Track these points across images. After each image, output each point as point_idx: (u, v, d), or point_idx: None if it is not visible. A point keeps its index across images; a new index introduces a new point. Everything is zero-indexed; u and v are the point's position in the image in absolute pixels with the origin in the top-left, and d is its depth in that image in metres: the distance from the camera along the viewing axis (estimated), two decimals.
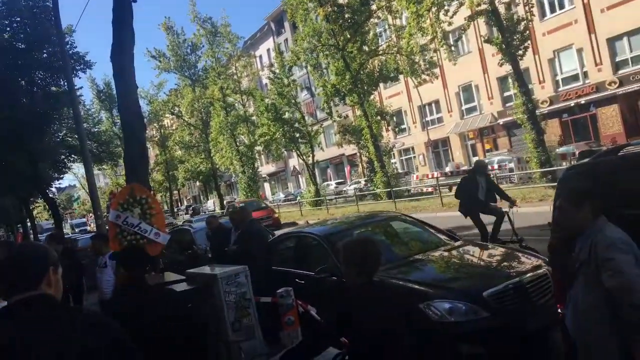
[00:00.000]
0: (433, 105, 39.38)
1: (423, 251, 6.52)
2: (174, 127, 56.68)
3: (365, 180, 34.64)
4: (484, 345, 4.91)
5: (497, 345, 4.91)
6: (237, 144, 42.59)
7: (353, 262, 2.97)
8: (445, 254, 6.37)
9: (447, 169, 31.71)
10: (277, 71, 36.19)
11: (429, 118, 39.95)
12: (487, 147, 35.58)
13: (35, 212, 46.29)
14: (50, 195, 28.41)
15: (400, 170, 38.42)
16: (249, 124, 42.05)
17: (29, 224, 36.60)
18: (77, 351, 1.70)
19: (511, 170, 25.27)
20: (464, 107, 37.30)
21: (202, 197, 66.31)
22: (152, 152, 64.56)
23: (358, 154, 38.34)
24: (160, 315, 3.40)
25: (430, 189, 26.78)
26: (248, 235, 7.74)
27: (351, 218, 8.32)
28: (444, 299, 5.06)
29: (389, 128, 31.91)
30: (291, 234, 8.13)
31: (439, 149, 40.07)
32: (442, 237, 7.12)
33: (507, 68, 21.09)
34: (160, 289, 4.44)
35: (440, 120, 39.26)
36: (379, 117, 30.01)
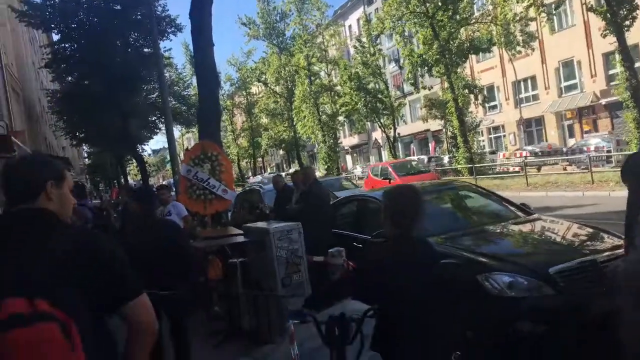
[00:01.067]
0: (529, 81, 37.18)
1: (490, 223, 6.20)
2: (260, 95, 57.83)
3: (449, 157, 33.55)
4: (545, 324, 4.51)
5: (560, 326, 4.49)
6: (320, 113, 42.72)
7: (391, 211, 2.79)
8: (514, 227, 5.94)
9: (536, 149, 29.92)
10: (364, 39, 35.62)
11: (522, 95, 37.83)
12: (586, 128, 33.18)
13: (129, 170, 49.53)
14: (140, 153, 29.96)
15: (487, 149, 36.85)
16: (332, 94, 41.97)
17: (122, 180, 39.13)
18: (49, 256, 1.66)
19: (609, 151, 23.40)
20: (562, 85, 34.88)
21: (284, 165, 67.51)
22: (239, 118, 66.39)
23: (444, 130, 37.19)
24: (157, 242, 4.34)
25: (517, 168, 25.46)
26: (309, 195, 7.66)
27: (419, 184, 8.00)
28: (505, 272, 4.70)
29: (478, 103, 30.51)
30: (353, 197, 7.96)
31: (531, 128, 37.92)
32: (515, 210, 6.66)
33: (614, 44, 19.34)
34: (166, 222, 5.33)
35: (535, 97, 37.03)
36: (466, 91, 28.74)
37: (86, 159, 62.59)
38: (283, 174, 35.25)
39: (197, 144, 10.44)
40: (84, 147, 43.61)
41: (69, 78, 23.93)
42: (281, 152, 65.14)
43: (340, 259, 5.40)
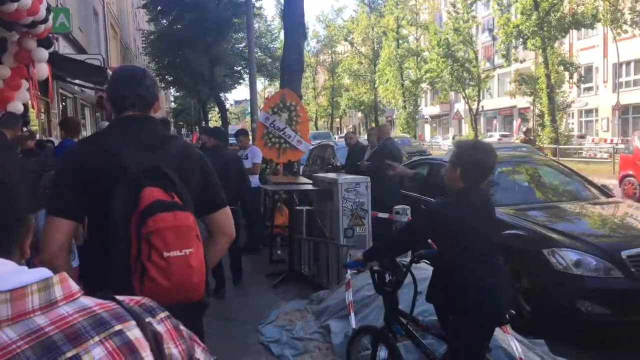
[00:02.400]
0: (632, 65, 34.47)
1: (566, 200, 6.01)
2: (345, 55, 57.36)
3: (533, 137, 32.06)
4: (610, 308, 4.37)
5: (626, 311, 4.33)
6: (403, 78, 41.90)
7: (462, 163, 2.74)
8: (590, 207, 5.70)
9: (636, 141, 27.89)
10: (459, 5, 34.22)
11: (623, 79, 35.20)
12: None
13: (210, 116, 51.11)
14: (223, 100, 30.81)
15: (576, 132, 34.88)
16: (418, 59, 40.91)
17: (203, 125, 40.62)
18: (170, 155, 1.95)
19: None
20: None
21: (361, 128, 67.21)
22: (321, 77, 66.33)
23: (531, 108, 35.48)
24: (224, 167, 5.40)
25: (606, 155, 24.01)
26: (381, 152, 7.66)
27: (499, 154, 7.80)
28: (574, 249, 4.56)
29: (572, 82, 28.73)
30: (425, 160, 7.87)
31: (628, 115, 35.38)
32: (595, 191, 6.36)
33: None
34: (232, 154, 6.74)
35: (636, 83, 34.36)
36: (561, 68, 27.11)
37: (172, 103, 65.37)
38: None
39: (278, 92, 10.59)
40: (171, 90, 45.39)
41: (164, 21, 24.77)
42: (359, 114, 64.61)
43: (405, 216, 5.41)
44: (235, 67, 29.42)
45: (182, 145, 2.03)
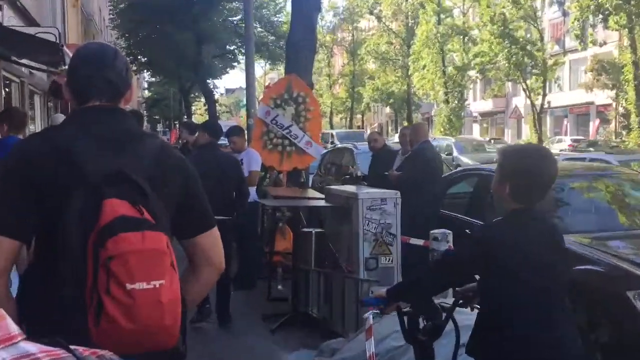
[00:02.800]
0: None
1: None
2: (370, 32, 57.40)
3: (616, 144, 31.89)
4: None
5: None
6: (445, 63, 41.83)
7: (510, 176, 2.70)
8: None
9: None
10: None
11: None
12: None
13: (194, 109, 51.12)
14: (211, 88, 30.78)
15: None
16: (465, 39, 40.86)
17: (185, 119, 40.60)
18: (141, 160, 1.98)
19: None
20: None
21: (389, 127, 67.02)
22: (339, 60, 66.37)
23: (614, 105, 35.31)
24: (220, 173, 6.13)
25: None
26: (418, 159, 7.60)
27: (570, 165, 7.78)
28: None
29: None
30: (472, 171, 7.83)
31: None
32: None
33: None
34: (229, 156, 7.13)
35: None
36: None
37: (145, 90, 65.49)
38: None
39: (283, 78, 10.60)
40: (145, 74, 45.56)
41: None
42: (387, 109, 64.40)
43: (445, 244, 5.38)
44: (227, 46, 29.54)
45: (158, 145, 2.03)
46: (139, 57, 28.95)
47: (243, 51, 27.83)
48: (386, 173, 7.89)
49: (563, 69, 42.95)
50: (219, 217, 2.48)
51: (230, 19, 28.62)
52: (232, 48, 29.97)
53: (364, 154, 10.35)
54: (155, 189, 1.85)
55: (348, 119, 63.32)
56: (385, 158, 8.65)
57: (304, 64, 10.53)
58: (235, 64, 33.37)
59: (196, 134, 8.10)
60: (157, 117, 63.62)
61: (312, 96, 9.96)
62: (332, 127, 54.01)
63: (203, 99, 38.86)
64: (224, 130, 8.04)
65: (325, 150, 12.23)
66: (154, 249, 1.73)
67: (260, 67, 61.31)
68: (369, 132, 64.32)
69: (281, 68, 49.13)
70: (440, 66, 41.71)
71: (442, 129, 42.19)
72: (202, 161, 5.62)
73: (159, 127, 64.49)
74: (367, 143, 9.86)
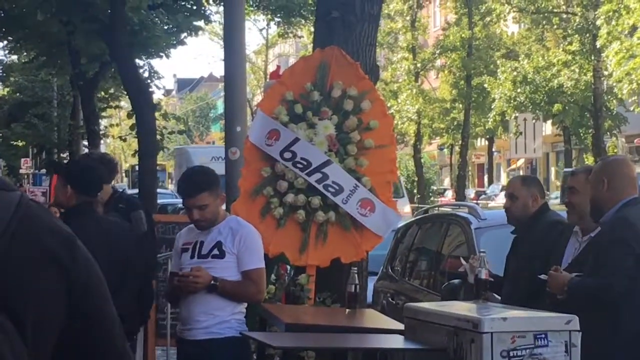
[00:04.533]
0: None
1: None
2: None
3: None
4: None
5: None
6: None
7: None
8: None
9: None
10: None
11: None
12: None
13: (105, 125, 29.34)
14: (145, 76, 17.47)
15: None
16: None
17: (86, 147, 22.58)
18: None
19: None
20: None
21: (550, 163, 41.83)
22: (436, 14, 43.69)
23: None
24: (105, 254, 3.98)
25: None
26: (617, 243, 4.41)
27: None
28: None
29: None
30: None
31: None
32: None
33: None
34: (119, 223, 4.89)
35: None
36: None
37: None
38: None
39: (309, 56, 6.80)
40: None
41: None
42: (548, 126, 34.67)
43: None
44: None
45: (11, 205, 1.28)
46: None
47: None
48: (542, 276, 4.55)
49: None
50: None
51: None
52: None
53: (494, 229, 6.01)
54: (7, 307, 1.20)
55: (452, 144, 38.99)
56: (540, 238, 5.07)
57: (358, 31, 6.07)
58: (200, 22, 18.14)
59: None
60: (19, 141, 34.65)
61: (377, 96, 5.80)
62: (420, 167, 35.87)
63: (126, 102, 22.11)
64: (180, 179, 5.04)
65: (404, 221, 7.61)
66: None
67: (257, 29, 38.74)
68: (505, 176, 43.04)
69: (305, 34, 28.59)
70: None
71: None
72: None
73: (25, 165, 36.46)
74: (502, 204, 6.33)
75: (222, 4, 11.57)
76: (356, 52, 5.87)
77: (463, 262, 5.27)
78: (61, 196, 4.61)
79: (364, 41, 6.10)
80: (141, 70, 17.19)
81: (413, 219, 8.93)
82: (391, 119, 6.04)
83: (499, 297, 4.82)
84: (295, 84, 5.56)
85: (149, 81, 18.33)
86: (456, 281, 5.16)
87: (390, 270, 7.74)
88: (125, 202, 5.58)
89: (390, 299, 7.18)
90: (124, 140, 19.32)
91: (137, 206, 5.72)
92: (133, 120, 12.64)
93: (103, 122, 27.68)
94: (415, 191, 34.54)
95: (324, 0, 6.43)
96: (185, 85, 74.24)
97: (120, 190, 7.07)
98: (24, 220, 1.24)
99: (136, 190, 14.49)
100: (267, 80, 7.55)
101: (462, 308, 4.52)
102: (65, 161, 23.14)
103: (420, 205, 25.48)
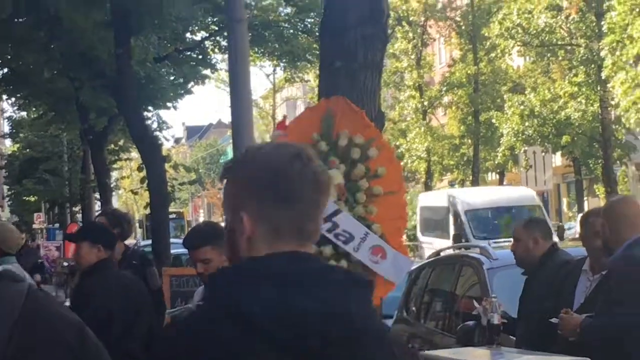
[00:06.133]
0: None
1: None
2: None
3: None
4: None
5: None
6: None
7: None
8: None
9: None
10: None
11: None
12: None
13: (116, 178, 30.78)
14: (153, 128, 18.35)
15: None
16: None
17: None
18: None
19: None
20: None
21: (562, 195, 41.59)
22: (443, 51, 43.55)
23: None
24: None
25: None
26: (631, 284, 4.34)
27: None
28: None
29: None
30: None
31: None
32: None
33: None
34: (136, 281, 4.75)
35: None
36: None
37: (6, 139, 37.79)
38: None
39: (315, 107, 6.60)
40: (4, 104, 25.78)
41: None
42: (557, 157, 35.31)
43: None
44: (188, 35, 16.92)
45: (15, 303, 1.33)
46: None
47: (224, 44, 16.00)
48: (553, 319, 4.47)
49: None
50: None
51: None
52: (198, 38, 17.15)
53: (506, 269, 5.84)
54: None
55: (463, 180, 37.34)
56: (549, 279, 5.04)
57: (362, 79, 5.99)
58: (206, 71, 18.93)
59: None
60: (31, 197, 34.04)
61: (384, 142, 5.84)
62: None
63: (137, 153, 20.07)
64: (189, 237, 4.56)
65: (415, 265, 7.44)
66: None
67: (264, 74, 38.45)
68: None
69: (311, 77, 27.63)
70: None
71: None
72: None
73: (38, 220, 35.81)
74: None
75: (227, 52, 11.43)
76: (361, 100, 5.89)
77: (476, 305, 5.24)
78: (86, 256, 4.46)
79: (368, 89, 6.13)
80: (150, 121, 17.59)
81: (425, 261, 8.83)
82: (399, 165, 6.05)
83: (514, 338, 4.77)
84: (301, 135, 5.47)
85: (158, 132, 18.79)
86: (471, 323, 5.11)
87: (405, 314, 7.63)
88: (138, 258, 5.56)
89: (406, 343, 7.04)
90: (136, 193, 19.47)
91: (150, 262, 5.73)
92: (144, 173, 12.69)
93: (114, 175, 28.02)
94: None
95: (327, 49, 6.43)
96: (194, 132, 74.70)
97: (132, 246, 7.11)
98: (34, 310, 1.27)
99: (149, 242, 14.37)
100: (274, 130, 7.36)
101: (476, 355, 4.52)
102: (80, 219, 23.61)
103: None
